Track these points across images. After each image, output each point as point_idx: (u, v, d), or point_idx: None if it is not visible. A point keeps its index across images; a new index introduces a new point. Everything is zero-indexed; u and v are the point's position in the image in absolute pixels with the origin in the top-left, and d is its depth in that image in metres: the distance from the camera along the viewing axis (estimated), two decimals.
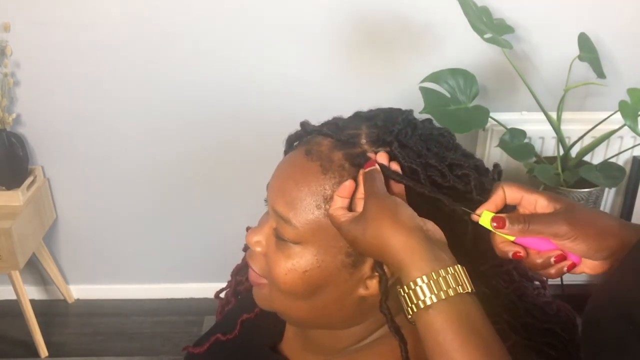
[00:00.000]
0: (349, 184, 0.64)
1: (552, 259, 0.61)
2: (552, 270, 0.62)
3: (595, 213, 0.63)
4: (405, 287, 0.57)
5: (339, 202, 0.64)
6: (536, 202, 0.63)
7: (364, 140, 0.67)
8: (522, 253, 0.62)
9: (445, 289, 0.55)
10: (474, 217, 0.63)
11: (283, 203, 0.66)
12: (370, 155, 0.66)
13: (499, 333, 0.56)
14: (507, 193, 0.64)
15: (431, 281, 0.55)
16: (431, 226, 0.60)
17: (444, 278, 0.55)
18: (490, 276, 0.69)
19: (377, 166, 0.64)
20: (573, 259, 0.61)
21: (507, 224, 0.61)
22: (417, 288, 0.55)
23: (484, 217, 0.62)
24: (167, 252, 2.24)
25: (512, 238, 0.62)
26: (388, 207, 0.60)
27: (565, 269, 0.61)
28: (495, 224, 0.62)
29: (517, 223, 0.61)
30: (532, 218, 0.61)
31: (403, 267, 0.57)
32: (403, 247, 0.57)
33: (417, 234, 0.58)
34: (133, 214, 2.16)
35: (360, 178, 0.65)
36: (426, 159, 0.66)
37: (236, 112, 1.96)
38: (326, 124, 0.71)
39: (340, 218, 0.63)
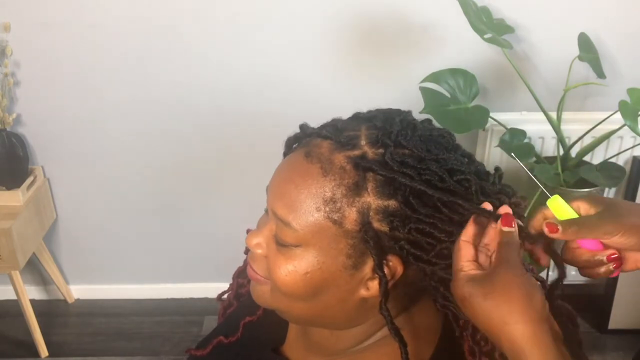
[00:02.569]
0: (472, 230, 0.63)
1: (605, 258, 0.63)
2: (602, 269, 0.63)
3: (637, 205, 0.65)
4: None
5: (469, 254, 0.62)
6: (579, 209, 0.64)
7: (363, 142, 0.66)
8: (617, 254, 0.63)
9: None
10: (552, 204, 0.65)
11: (283, 206, 0.66)
12: (504, 209, 0.64)
13: None
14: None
15: None
16: (552, 319, 0.60)
17: None
18: None
19: (514, 226, 0.62)
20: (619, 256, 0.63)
21: (560, 228, 0.62)
22: None
23: (553, 202, 0.64)
24: (167, 252, 2.23)
25: None
26: (524, 287, 0.58)
27: (612, 266, 0.63)
28: (547, 229, 0.62)
29: (570, 226, 0.62)
30: (582, 220, 0.63)
31: (522, 357, 0.56)
32: (530, 337, 0.56)
33: (545, 327, 0.57)
34: (133, 214, 2.16)
35: (494, 232, 0.63)
36: (426, 163, 0.65)
37: (236, 113, 1.96)
38: (325, 125, 0.71)
39: (467, 272, 0.61)
